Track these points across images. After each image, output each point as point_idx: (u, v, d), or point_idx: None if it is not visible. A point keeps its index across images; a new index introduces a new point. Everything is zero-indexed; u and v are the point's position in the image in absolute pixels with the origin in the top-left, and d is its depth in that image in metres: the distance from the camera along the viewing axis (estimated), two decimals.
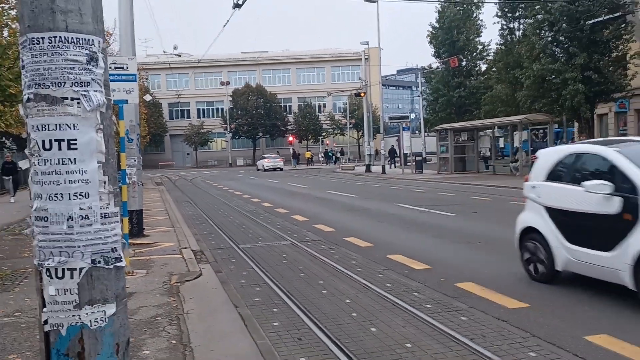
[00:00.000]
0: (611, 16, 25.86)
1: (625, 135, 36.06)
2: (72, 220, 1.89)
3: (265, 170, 48.88)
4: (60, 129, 1.89)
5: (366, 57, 49.98)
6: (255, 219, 14.25)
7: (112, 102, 7.82)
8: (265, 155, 54.97)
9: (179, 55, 44.51)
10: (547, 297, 6.21)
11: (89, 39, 1.94)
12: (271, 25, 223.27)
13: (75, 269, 1.89)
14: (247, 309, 6.02)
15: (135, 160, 10.74)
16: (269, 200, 19.56)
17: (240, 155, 70.49)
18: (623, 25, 29.77)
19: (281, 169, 49.33)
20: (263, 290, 6.95)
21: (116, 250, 1.98)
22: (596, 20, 25.24)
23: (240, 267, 8.42)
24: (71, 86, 1.91)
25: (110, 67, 7.99)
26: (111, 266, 1.96)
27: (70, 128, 1.90)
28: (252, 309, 6.06)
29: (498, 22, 40.14)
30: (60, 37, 1.88)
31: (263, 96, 67.75)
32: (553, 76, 29.41)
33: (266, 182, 32.44)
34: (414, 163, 34.70)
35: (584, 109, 29.77)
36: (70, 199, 1.89)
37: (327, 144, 67.80)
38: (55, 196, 1.88)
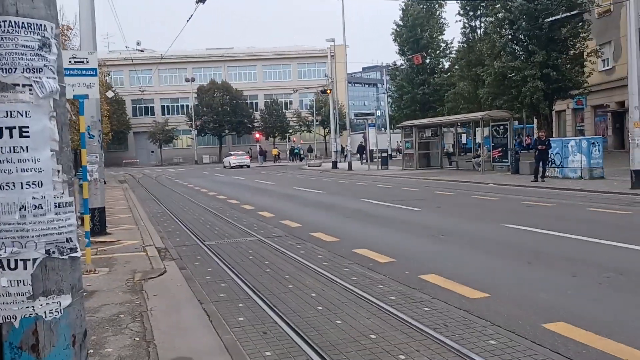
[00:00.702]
0: (568, 14, 26.60)
1: (582, 131, 37.21)
2: (25, 209, 1.84)
3: (231, 167, 48.60)
4: (11, 116, 1.84)
5: (332, 54, 50.12)
6: (221, 215, 14.14)
7: (73, 97, 7.70)
8: (231, 152, 54.57)
9: (142, 51, 43.72)
10: (507, 287, 6.36)
11: (41, 24, 1.89)
12: (236, 22, 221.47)
13: (29, 260, 1.85)
14: (212, 305, 5.98)
15: (96, 157, 10.51)
16: (235, 197, 19.43)
17: (206, 153, 69.71)
18: (580, 24, 30.68)
19: (248, 166, 49.12)
20: (229, 286, 6.91)
21: (71, 241, 1.94)
22: (554, 18, 25.93)
23: (205, 264, 8.35)
24: (23, 72, 1.86)
25: (70, 62, 7.79)
26: (66, 257, 1.91)
27: (22, 115, 1.85)
28: (217, 305, 6.02)
29: (460, 21, 40.90)
30: (10, 21, 1.83)
31: (229, 93, 67.11)
32: (513, 74, 30.11)
33: (233, 179, 32.22)
34: (379, 159, 35.02)
35: (543, 106, 30.58)
36: (22, 188, 1.84)
37: (294, 141, 67.72)
38: (7, 185, 1.83)
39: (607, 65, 34.46)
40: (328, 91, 42.62)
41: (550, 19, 26.14)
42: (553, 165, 21.13)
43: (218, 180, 31.49)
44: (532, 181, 19.63)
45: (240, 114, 67.58)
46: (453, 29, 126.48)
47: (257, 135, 65.25)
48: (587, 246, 8.47)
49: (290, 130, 70.17)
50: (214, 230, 11.68)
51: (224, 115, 66.00)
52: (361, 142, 48.94)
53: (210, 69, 73.62)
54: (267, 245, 9.62)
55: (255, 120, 69.49)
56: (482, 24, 39.50)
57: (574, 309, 5.42)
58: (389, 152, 42.47)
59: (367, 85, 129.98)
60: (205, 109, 66.43)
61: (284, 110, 70.48)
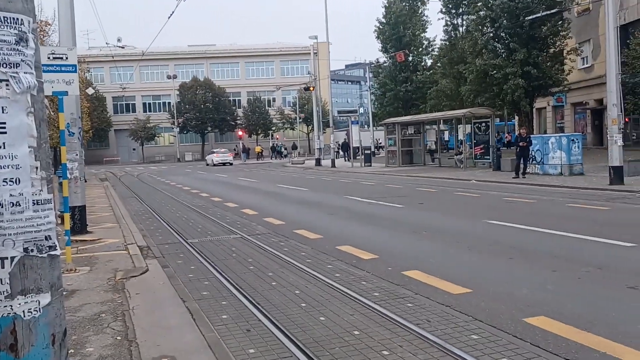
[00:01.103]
0: (549, 12, 26.90)
1: (562, 128, 37.70)
2: (2, 207, 1.81)
3: (214, 165, 48.37)
4: None
5: (315, 51, 50.07)
6: (204, 213, 14.06)
7: (52, 94, 7.58)
8: (214, 150, 54.30)
9: (123, 48, 43.22)
10: (489, 282, 6.43)
11: (17, 18, 1.85)
12: (219, 18, 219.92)
13: (6, 258, 1.81)
14: (195, 303, 5.94)
15: (76, 155, 10.39)
16: (218, 194, 19.34)
17: (189, 150, 69.28)
18: (560, 22, 31.05)
19: (231, 164, 48.93)
20: (212, 284, 6.88)
21: (50, 238, 1.91)
22: (535, 16, 26.21)
23: (188, 262, 8.29)
24: None
25: (48, 58, 7.68)
26: (45, 255, 1.88)
27: None
28: (200, 303, 5.98)
29: (442, 18, 41.11)
30: None
31: (211, 90, 66.76)
32: (494, 71, 30.38)
33: (216, 176, 32.06)
34: (362, 156, 35.11)
35: (524, 103, 30.91)
36: None
37: (277, 139, 67.59)
38: None
39: (586, 64, 34.94)
40: (311, 88, 42.56)
41: (530, 17, 26.42)
42: (534, 162, 21.38)
43: (201, 178, 31.29)
44: (513, 178, 19.83)
45: (222, 111, 67.26)
46: (435, 27, 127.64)
47: (240, 133, 64.98)
48: (567, 241, 8.58)
49: (274, 128, 70.01)
50: (196, 228, 11.61)
51: (206, 112, 65.63)
52: (345, 139, 49.00)
53: (193, 66, 73.12)
54: (250, 243, 9.59)
55: (238, 118, 69.21)
56: (464, 22, 39.77)
57: (554, 304, 5.49)
58: (372, 149, 42.56)
59: (350, 83, 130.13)
60: (187, 106, 65.99)
61: (267, 108, 70.29)
